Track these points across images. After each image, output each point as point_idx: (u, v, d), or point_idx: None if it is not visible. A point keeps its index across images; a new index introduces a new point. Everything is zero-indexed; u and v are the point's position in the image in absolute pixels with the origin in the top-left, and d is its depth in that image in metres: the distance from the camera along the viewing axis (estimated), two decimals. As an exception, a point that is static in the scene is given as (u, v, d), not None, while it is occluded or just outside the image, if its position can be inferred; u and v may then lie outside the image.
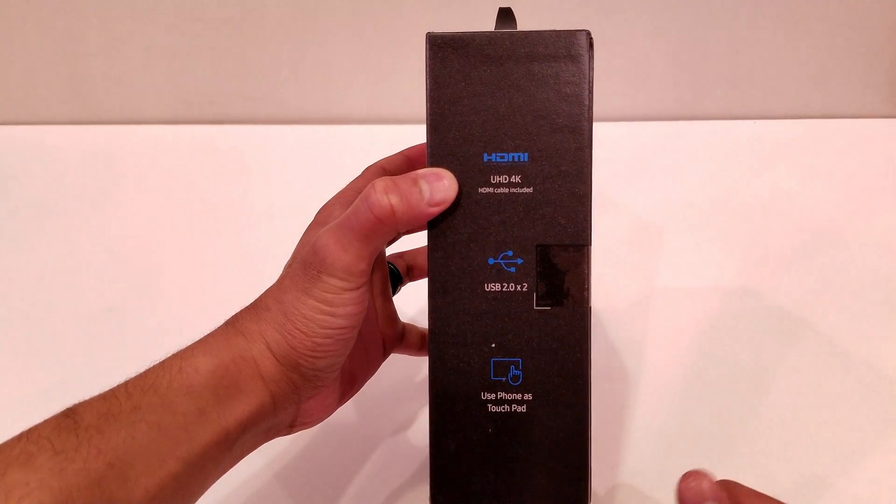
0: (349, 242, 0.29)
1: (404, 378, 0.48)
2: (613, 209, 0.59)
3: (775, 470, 0.42)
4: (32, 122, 0.70)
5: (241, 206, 0.61)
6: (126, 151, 0.67)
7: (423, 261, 0.40)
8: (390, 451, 0.44)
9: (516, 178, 0.30)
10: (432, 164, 0.30)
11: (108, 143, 0.68)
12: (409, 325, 0.38)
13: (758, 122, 0.67)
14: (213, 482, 0.29)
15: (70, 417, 0.26)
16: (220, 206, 0.61)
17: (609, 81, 0.66)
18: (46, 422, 0.26)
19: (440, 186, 0.30)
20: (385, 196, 0.28)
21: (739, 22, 0.64)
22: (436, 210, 0.30)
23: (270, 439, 0.32)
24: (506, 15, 0.32)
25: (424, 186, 0.29)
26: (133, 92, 0.69)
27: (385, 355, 0.37)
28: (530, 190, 0.30)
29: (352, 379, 0.35)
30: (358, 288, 0.29)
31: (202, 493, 0.28)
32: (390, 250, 0.37)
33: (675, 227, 0.58)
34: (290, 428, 0.32)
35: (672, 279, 0.54)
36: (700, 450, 0.44)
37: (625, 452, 0.44)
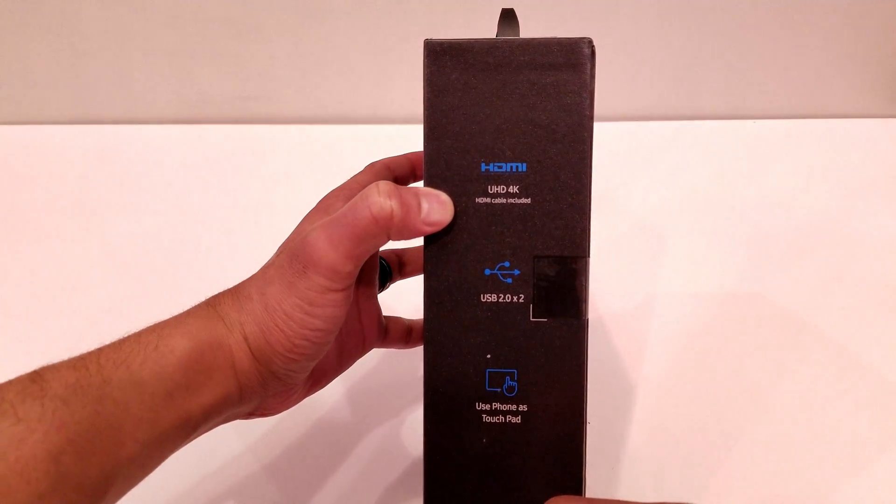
0: (339, 241, 0.28)
1: (400, 376, 0.48)
2: (613, 209, 0.59)
3: (777, 473, 0.42)
4: (32, 122, 0.70)
5: (241, 206, 0.61)
6: (126, 151, 0.67)
7: (416, 257, 0.39)
8: (384, 450, 0.44)
9: (514, 189, 0.30)
10: (429, 173, 0.30)
11: (108, 143, 0.68)
12: (392, 318, 0.38)
13: (758, 122, 0.67)
14: (163, 461, 0.28)
15: (37, 383, 0.25)
16: (220, 207, 0.62)
17: (609, 81, 0.66)
18: (11, 384, 0.25)
19: (439, 208, 0.29)
20: (387, 199, 0.28)
21: (739, 22, 0.64)
22: (429, 229, 0.29)
23: (227, 422, 0.31)
24: (508, 16, 0.32)
25: (424, 203, 0.29)
26: (133, 92, 0.69)
27: (364, 351, 0.36)
28: (528, 200, 0.30)
29: (321, 376, 0.34)
30: (342, 290, 0.29)
31: (152, 471, 0.28)
32: (385, 247, 0.37)
33: (675, 227, 0.58)
34: (249, 415, 0.32)
35: (671, 278, 0.54)
36: (700, 453, 0.44)
37: (623, 456, 0.44)
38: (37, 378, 0.25)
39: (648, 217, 0.59)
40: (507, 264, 0.30)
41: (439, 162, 0.30)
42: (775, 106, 0.68)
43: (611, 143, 0.63)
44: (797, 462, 0.43)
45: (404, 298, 0.41)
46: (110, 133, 0.69)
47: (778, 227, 0.57)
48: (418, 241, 0.37)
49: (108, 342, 0.28)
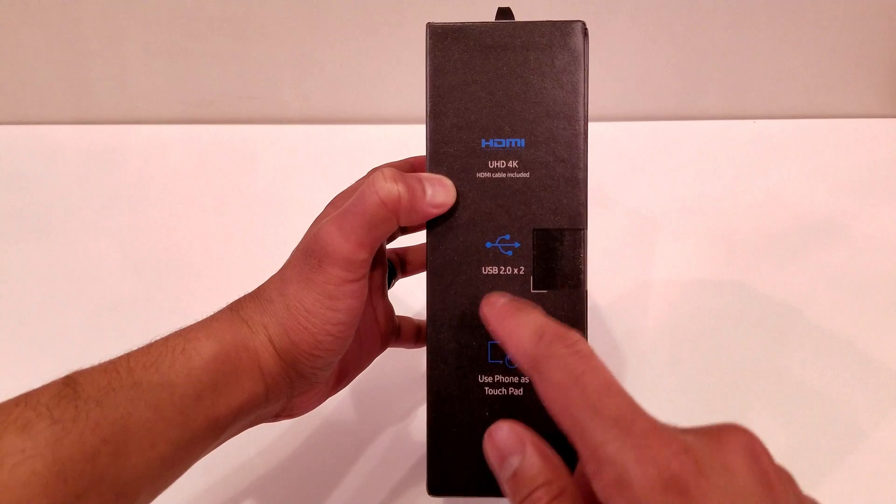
0: (351, 230, 0.29)
1: (403, 372, 0.48)
2: (613, 208, 0.59)
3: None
4: (33, 122, 0.70)
5: (241, 206, 0.61)
6: (126, 151, 0.67)
7: (416, 256, 0.40)
8: (389, 445, 0.44)
9: (513, 164, 0.31)
10: (432, 149, 0.31)
11: (108, 143, 0.68)
12: (403, 317, 0.39)
13: (758, 122, 0.67)
14: (194, 463, 0.29)
15: (70, 386, 0.25)
16: (220, 207, 0.62)
17: (609, 81, 0.66)
18: (46, 387, 0.25)
19: (442, 190, 0.30)
20: (393, 184, 0.29)
21: (739, 22, 0.64)
22: (435, 211, 0.30)
23: (255, 425, 0.32)
24: (504, 15, 0.33)
25: (428, 187, 0.30)
26: (133, 92, 0.69)
27: (383, 348, 0.37)
28: (527, 175, 0.31)
29: (343, 374, 0.35)
30: (358, 280, 0.29)
31: (182, 474, 0.28)
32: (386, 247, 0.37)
33: (675, 227, 0.58)
34: (276, 417, 0.33)
35: (671, 278, 0.54)
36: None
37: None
38: (70, 382, 0.26)
39: (648, 217, 0.59)
40: (507, 237, 0.31)
41: (441, 138, 0.31)
42: (775, 106, 0.68)
43: (611, 143, 0.63)
44: (791, 450, 0.43)
45: (417, 297, 0.40)
46: (110, 133, 0.69)
47: (778, 227, 0.57)
48: (418, 240, 0.37)
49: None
